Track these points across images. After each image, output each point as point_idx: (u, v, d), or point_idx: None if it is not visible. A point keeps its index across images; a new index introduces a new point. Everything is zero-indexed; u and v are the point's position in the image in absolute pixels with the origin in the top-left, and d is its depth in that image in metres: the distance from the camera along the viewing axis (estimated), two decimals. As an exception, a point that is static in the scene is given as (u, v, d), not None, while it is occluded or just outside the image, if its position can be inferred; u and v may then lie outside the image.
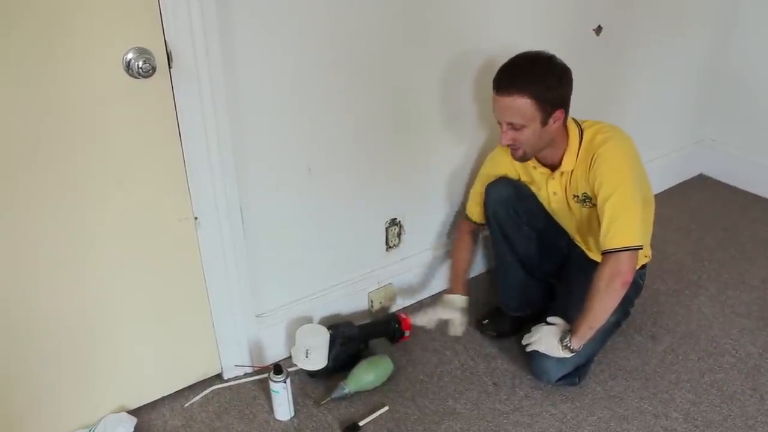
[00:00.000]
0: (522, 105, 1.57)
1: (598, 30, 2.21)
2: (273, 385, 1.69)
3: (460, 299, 1.90)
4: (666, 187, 2.85)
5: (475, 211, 1.93)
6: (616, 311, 1.65)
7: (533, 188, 1.83)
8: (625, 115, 2.51)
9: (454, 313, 1.86)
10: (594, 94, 2.36)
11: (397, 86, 1.82)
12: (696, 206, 2.74)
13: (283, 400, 1.71)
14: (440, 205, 2.10)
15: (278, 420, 1.73)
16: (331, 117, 1.73)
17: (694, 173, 2.96)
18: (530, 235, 1.87)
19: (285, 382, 1.68)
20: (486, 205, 1.85)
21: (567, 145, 1.69)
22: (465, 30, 1.88)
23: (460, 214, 2.08)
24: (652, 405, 1.76)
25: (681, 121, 2.79)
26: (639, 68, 2.45)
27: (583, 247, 1.86)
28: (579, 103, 2.30)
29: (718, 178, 2.92)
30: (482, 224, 1.94)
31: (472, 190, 1.95)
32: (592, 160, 1.63)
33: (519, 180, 1.84)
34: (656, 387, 1.82)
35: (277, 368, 1.69)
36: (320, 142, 1.75)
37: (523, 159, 1.69)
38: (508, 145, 1.66)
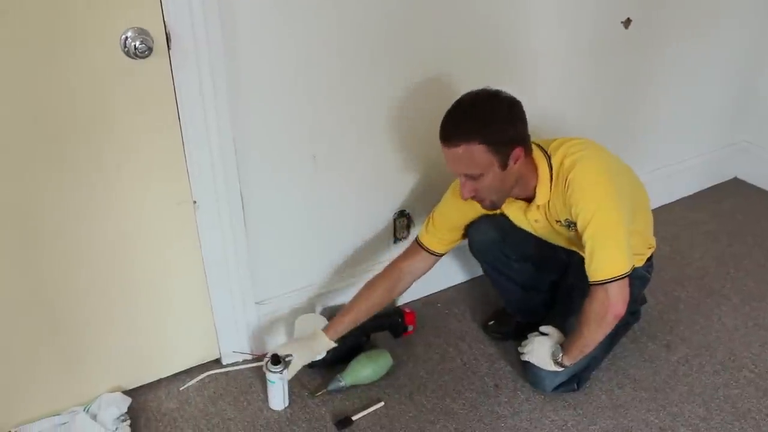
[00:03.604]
0: (473, 153, 1.43)
1: (627, 23, 2.11)
2: (269, 375, 1.67)
3: (329, 345, 1.69)
4: (697, 190, 2.74)
5: (432, 240, 1.73)
6: None
7: (513, 221, 1.70)
8: (655, 114, 2.42)
9: (310, 356, 1.67)
10: (622, 91, 2.28)
11: (408, 74, 1.77)
12: (727, 211, 2.62)
13: (278, 391, 1.69)
14: (452, 198, 2.04)
15: (272, 409, 1.71)
16: (337, 103, 1.69)
17: (728, 177, 2.83)
18: (523, 267, 1.79)
19: (282, 372, 1.66)
20: (471, 247, 1.78)
21: (537, 177, 1.56)
22: (480, 19, 1.82)
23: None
24: (659, 418, 1.69)
25: (716, 121, 2.66)
26: (671, 64, 2.33)
27: (581, 253, 1.79)
28: (605, 102, 2.23)
29: (753, 183, 2.78)
30: (438, 254, 1.75)
31: (431, 216, 1.74)
32: (566, 185, 1.52)
33: (498, 214, 1.70)
34: (666, 399, 1.74)
35: (275, 358, 1.66)
36: (326, 129, 1.71)
37: (493, 207, 1.59)
38: (472, 198, 1.54)
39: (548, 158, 1.56)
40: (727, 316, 2.04)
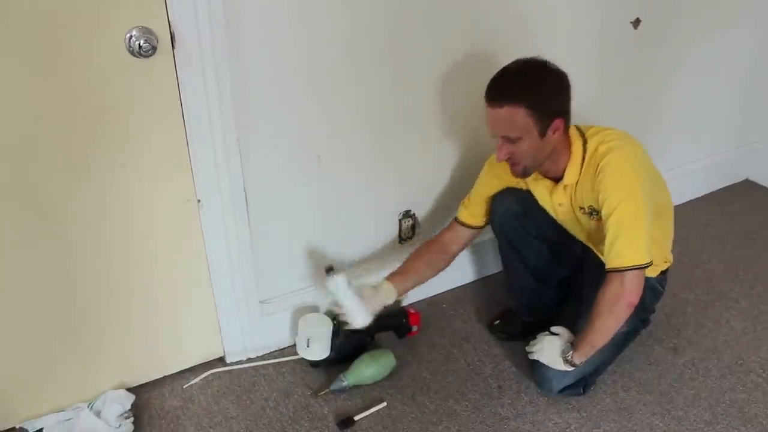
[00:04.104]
0: (516, 116, 1.46)
1: (636, 23, 2.10)
2: (329, 282, 1.63)
3: (393, 296, 1.73)
4: (708, 192, 2.71)
5: (469, 216, 1.80)
6: (628, 320, 1.57)
7: (538, 199, 1.72)
8: (665, 115, 2.39)
9: (379, 301, 1.71)
10: (631, 92, 2.26)
11: (413, 74, 1.76)
12: (738, 213, 2.59)
13: (350, 298, 1.64)
14: (456, 197, 2.02)
15: (354, 326, 1.67)
16: (341, 103, 1.69)
17: (739, 178, 2.80)
18: (540, 248, 1.79)
19: (340, 279, 1.63)
20: (492, 219, 1.78)
21: (570, 157, 1.58)
22: (486, 19, 1.81)
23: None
24: (664, 422, 1.67)
25: (726, 122, 2.63)
26: (681, 64, 2.31)
27: (596, 252, 1.77)
28: (614, 103, 2.21)
29: (764, 185, 2.76)
30: (475, 227, 1.81)
31: (468, 196, 1.81)
32: (596, 171, 1.53)
33: (524, 190, 1.73)
34: (671, 403, 1.73)
35: (329, 268, 1.68)
36: (330, 129, 1.71)
37: (524, 174, 1.60)
38: (506, 161, 1.57)
39: (584, 141, 1.58)
40: (735, 319, 2.02)
